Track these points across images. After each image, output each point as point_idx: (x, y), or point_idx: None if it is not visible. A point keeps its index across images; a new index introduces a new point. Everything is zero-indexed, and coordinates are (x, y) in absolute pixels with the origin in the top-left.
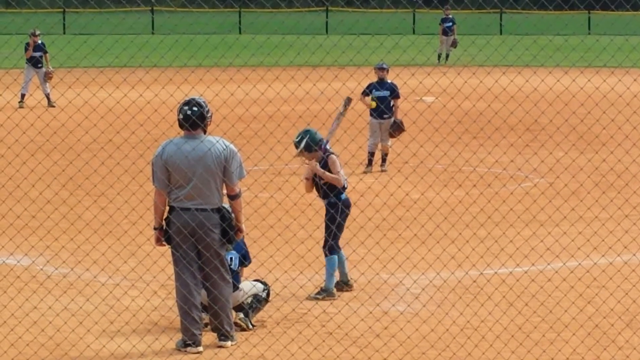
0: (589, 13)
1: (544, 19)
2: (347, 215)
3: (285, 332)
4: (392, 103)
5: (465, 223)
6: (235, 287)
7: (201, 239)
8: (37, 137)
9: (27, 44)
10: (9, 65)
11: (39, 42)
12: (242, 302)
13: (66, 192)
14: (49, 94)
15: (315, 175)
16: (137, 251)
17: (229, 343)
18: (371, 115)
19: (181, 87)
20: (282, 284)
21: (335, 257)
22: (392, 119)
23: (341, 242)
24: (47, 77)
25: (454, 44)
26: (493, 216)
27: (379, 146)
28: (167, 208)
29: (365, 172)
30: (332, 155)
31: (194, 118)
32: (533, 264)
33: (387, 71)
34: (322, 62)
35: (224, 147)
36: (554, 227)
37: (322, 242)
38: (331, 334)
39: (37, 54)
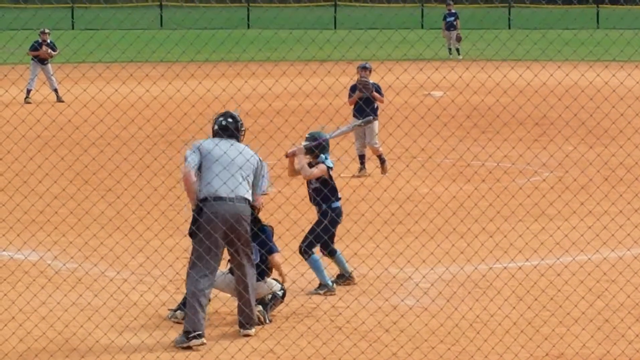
0: (598, 7)
1: (553, 13)
2: (337, 223)
3: (294, 327)
4: (376, 105)
5: (474, 218)
6: (259, 279)
7: (233, 228)
8: (44, 132)
9: (38, 42)
10: (15, 60)
11: (48, 40)
12: (264, 297)
13: (73, 188)
14: (57, 89)
15: (309, 182)
16: (145, 247)
17: (253, 331)
18: (354, 117)
19: (188, 82)
20: (290, 279)
21: (315, 256)
22: (375, 120)
23: (350, 238)
24: (48, 54)
25: (458, 39)
26: (502, 211)
27: (369, 149)
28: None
29: (359, 176)
30: (324, 165)
31: (231, 129)
32: (542, 259)
33: (370, 71)
34: (330, 56)
35: (254, 153)
36: (563, 222)
37: (303, 245)
38: (340, 328)
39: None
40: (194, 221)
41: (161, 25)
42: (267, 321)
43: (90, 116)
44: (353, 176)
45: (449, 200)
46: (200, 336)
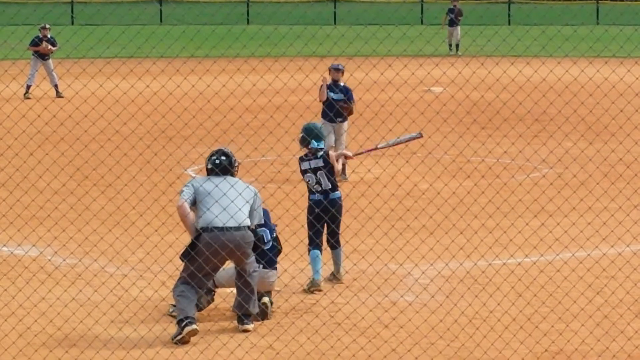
0: (598, 3)
1: (553, 9)
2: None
3: (294, 322)
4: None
5: (473, 214)
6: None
7: (228, 257)
8: (44, 128)
9: (38, 37)
10: (15, 56)
11: (49, 36)
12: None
13: (74, 183)
14: (57, 85)
15: (317, 171)
16: (145, 242)
17: (251, 326)
18: (323, 117)
19: (188, 77)
20: (290, 275)
21: (315, 252)
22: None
23: (349, 234)
24: (48, 50)
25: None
26: (502, 207)
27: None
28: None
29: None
30: (330, 153)
31: (225, 165)
32: (542, 255)
33: (343, 73)
34: (330, 52)
35: (248, 185)
36: (563, 218)
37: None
38: (339, 324)
39: None
40: (191, 248)
41: (161, 20)
42: (270, 312)
43: (90, 112)
44: (353, 171)
45: (449, 196)
46: (191, 322)
